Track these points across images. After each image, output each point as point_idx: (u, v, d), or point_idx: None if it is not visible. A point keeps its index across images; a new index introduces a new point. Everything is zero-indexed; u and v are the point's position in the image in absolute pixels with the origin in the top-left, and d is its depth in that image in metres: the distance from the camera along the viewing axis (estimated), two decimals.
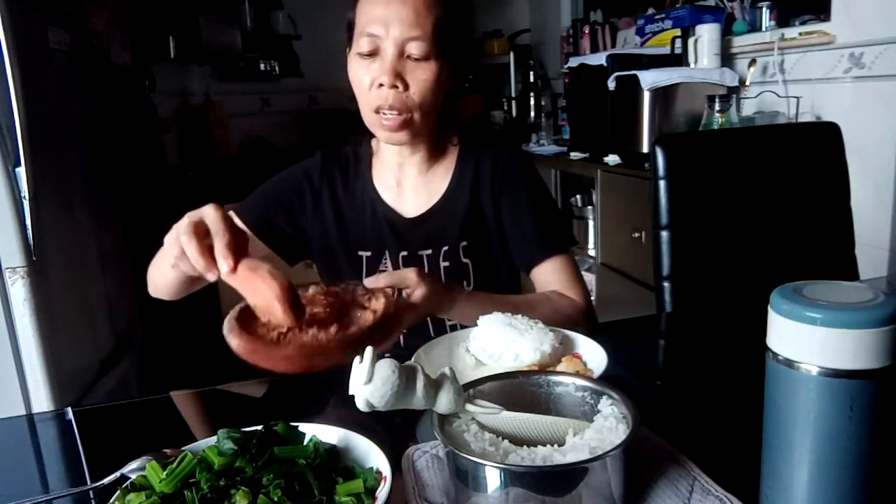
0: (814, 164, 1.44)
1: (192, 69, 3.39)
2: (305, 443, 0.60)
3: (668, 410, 0.80)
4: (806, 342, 0.46)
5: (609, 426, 0.57)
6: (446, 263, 1.09)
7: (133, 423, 0.83)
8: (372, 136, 1.14)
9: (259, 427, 0.60)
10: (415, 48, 0.97)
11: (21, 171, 1.53)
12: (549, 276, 1.09)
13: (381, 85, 0.98)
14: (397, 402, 0.56)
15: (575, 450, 0.55)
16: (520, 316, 0.84)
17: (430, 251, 1.09)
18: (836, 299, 0.46)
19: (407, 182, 1.12)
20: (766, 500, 0.52)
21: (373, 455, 0.60)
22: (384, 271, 1.09)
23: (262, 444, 0.58)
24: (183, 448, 0.62)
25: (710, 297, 1.33)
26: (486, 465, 0.52)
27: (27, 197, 1.54)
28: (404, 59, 0.98)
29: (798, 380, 0.47)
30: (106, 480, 0.63)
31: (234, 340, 0.69)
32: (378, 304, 0.79)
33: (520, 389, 0.65)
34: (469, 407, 0.60)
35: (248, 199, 1.14)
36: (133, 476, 0.58)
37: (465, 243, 1.09)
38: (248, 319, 0.74)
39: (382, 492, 0.55)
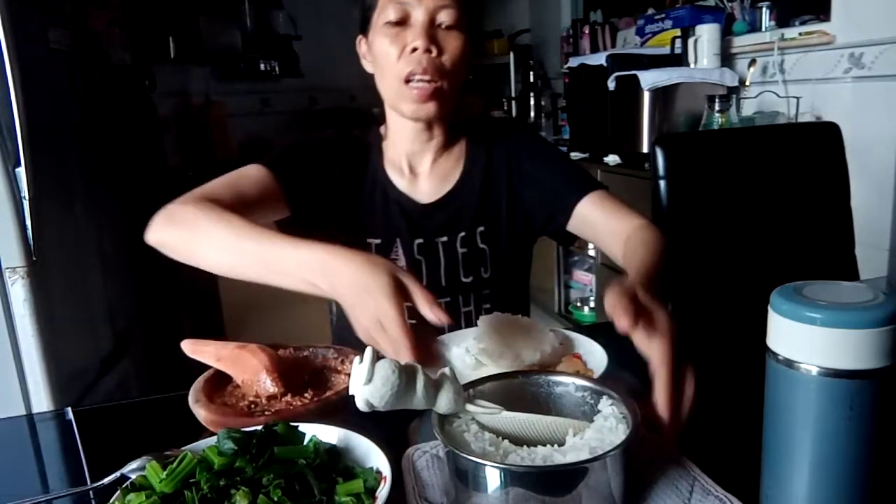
0: (814, 164, 1.44)
1: (192, 69, 3.39)
2: (305, 443, 0.60)
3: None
4: (806, 342, 0.46)
5: (609, 426, 0.57)
6: (464, 250, 1.08)
7: (133, 423, 0.83)
8: (379, 124, 1.12)
9: (259, 427, 0.60)
10: (446, 16, 0.97)
11: (21, 171, 1.52)
12: (594, 209, 1.03)
13: (414, 50, 0.96)
14: (397, 403, 0.56)
15: (575, 450, 0.55)
16: (520, 315, 0.84)
17: (445, 238, 1.07)
18: (836, 299, 0.46)
19: (421, 169, 1.10)
20: (766, 500, 0.52)
21: (373, 455, 0.60)
22: (395, 260, 1.06)
23: (262, 444, 0.58)
24: (183, 448, 0.62)
25: (710, 297, 1.33)
26: (486, 465, 0.52)
27: (27, 197, 1.53)
28: (435, 28, 0.97)
29: (798, 380, 0.47)
30: (106, 480, 0.63)
31: (202, 412, 0.71)
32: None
33: (520, 389, 0.65)
34: (469, 407, 0.60)
35: (278, 155, 1.06)
36: (133, 476, 0.58)
37: (482, 228, 1.08)
38: (213, 390, 0.77)
39: (382, 492, 0.54)
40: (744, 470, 0.55)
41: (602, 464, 0.51)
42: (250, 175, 1.01)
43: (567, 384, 0.64)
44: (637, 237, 0.95)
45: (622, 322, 0.62)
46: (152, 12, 3.02)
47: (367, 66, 1.06)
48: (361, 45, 1.07)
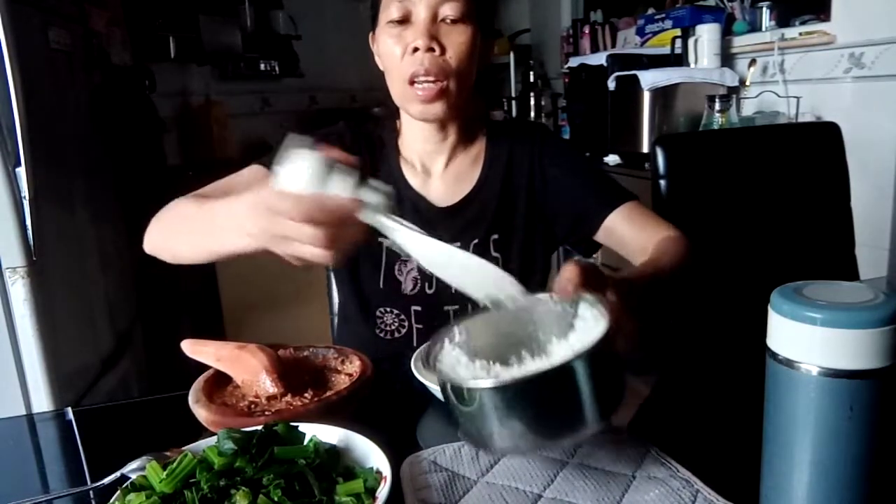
0: (814, 164, 1.44)
1: (192, 69, 3.38)
2: (305, 443, 0.60)
3: (667, 411, 0.80)
4: (806, 342, 0.46)
5: (588, 325, 0.60)
6: None
7: (133, 423, 0.83)
8: (395, 117, 1.09)
9: (259, 427, 0.60)
10: (449, 9, 0.93)
11: (21, 171, 1.52)
12: (623, 223, 1.02)
13: (415, 50, 0.94)
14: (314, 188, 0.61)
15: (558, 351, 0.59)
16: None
17: (458, 244, 1.04)
18: (836, 299, 0.46)
19: (435, 169, 1.07)
20: (765, 500, 0.52)
21: (373, 455, 0.60)
22: (406, 261, 1.05)
23: (262, 444, 0.58)
24: (183, 448, 0.62)
25: (710, 297, 1.33)
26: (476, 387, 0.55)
27: (27, 197, 1.53)
28: (438, 24, 0.94)
29: (798, 380, 0.47)
30: (106, 480, 0.63)
31: (202, 412, 0.71)
32: (353, 366, 0.81)
33: (506, 323, 0.68)
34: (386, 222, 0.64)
35: (274, 154, 1.05)
36: (133, 476, 0.58)
37: (496, 236, 1.06)
38: (213, 390, 0.77)
39: (382, 492, 0.55)
40: (743, 470, 0.55)
41: (579, 362, 0.52)
42: (246, 175, 1.02)
43: (545, 303, 0.66)
44: (660, 247, 0.96)
45: (560, 285, 0.63)
46: (152, 12, 3.02)
47: (380, 64, 1.04)
48: (372, 43, 1.05)
